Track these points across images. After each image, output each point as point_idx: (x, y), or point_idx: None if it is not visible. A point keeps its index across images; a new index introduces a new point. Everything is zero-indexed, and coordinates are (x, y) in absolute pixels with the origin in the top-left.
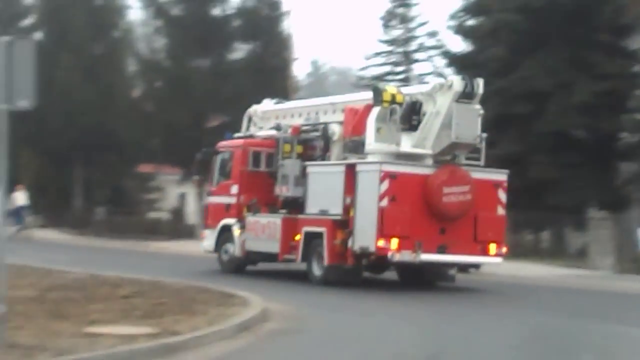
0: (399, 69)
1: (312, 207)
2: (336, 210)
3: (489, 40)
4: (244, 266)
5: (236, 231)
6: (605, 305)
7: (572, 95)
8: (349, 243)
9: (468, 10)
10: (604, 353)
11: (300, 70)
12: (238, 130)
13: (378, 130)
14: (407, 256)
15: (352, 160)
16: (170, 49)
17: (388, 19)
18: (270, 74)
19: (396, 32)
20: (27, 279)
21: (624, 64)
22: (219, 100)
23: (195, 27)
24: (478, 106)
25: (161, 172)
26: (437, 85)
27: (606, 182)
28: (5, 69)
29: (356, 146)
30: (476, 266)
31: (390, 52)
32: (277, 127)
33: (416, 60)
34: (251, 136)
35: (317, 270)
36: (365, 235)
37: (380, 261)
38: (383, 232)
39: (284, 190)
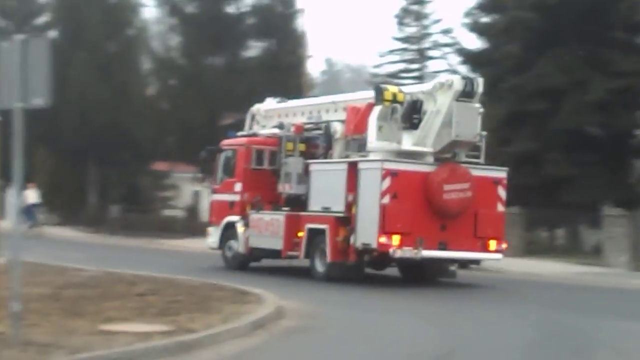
0: (414, 66)
1: (315, 205)
2: (338, 207)
3: (503, 37)
4: (248, 263)
5: (240, 228)
6: (620, 303)
7: (587, 93)
8: (351, 240)
9: (483, 7)
10: (619, 351)
11: (314, 68)
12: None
13: (379, 128)
14: (408, 252)
15: (354, 158)
16: (184, 47)
17: (402, 16)
18: (285, 72)
19: (411, 30)
20: (42, 276)
21: (639, 61)
22: (233, 98)
23: (210, 25)
24: (478, 105)
25: (175, 170)
26: (437, 84)
27: (621, 180)
28: (20, 68)
29: (358, 144)
30: (476, 262)
31: (404, 50)
32: (280, 126)
33: (430, 58)
34: (254, 134)
35: (319, 267)
36: (367, 232)
37: (382, 257)
38: (385, 228)
39: (286, 188)
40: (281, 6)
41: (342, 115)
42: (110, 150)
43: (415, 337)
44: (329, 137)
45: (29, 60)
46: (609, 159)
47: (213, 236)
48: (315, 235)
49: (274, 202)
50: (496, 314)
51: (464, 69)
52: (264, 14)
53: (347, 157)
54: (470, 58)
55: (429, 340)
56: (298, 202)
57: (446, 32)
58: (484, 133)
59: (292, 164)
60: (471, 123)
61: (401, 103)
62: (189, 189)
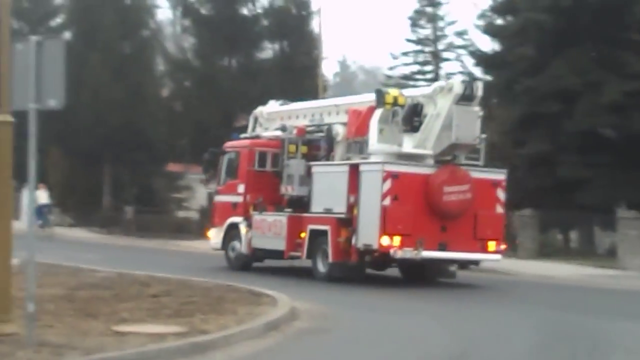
0: (427, 68)
1: (317, 206)
2: (340, 208)
3: (517, 39)
4: (251, 263)
5: (243, 229)
6: (633, 305)
7: (601, 95)
8: (353, 240)
9: (496, 9)
10: (632, 353)
11: (328, 69)
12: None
13: (381, 131)
14: (409, 253)
15: (355, 160)
16: (198, 48)
17: (416, 18)
18: (299, 74)
19: (425, 32)
20: (56, 277)
21: None
22: (247, 99)
23: (224, 27)
24: (477, 108)
25: (190, 171)
26: (437, 87)
27: (635, 181)
28: (35, 69)
29: (359, 147)
30: (476, 263)
31: (418, 52)
32: (283, 128)
33: (445, 60)
34: (257, 137)
35: (321, 267)
36: (368, 233)
37: (383, 258)
38: (386, 230)
39: (289, 190)
40: (296, 8)
41: (344, 118)
42: (124, 151)
43: (427, 338)
44: (330, 140)
45: (44, 61)
46: (623, 161)
47: (216, 237)
48: (317, 236)
49: (277, 203)
50: (507, 316)
51: (478, 71)
52: (278, 16)
53: (348, 159)
54: (484, 60)
55: (440, 342)
56: (300, 204)
57: (460, 34)
58: (484, 136)
59: (295, 166)
60: (471, 126)
61: (402, 106)
62: (202, 191)
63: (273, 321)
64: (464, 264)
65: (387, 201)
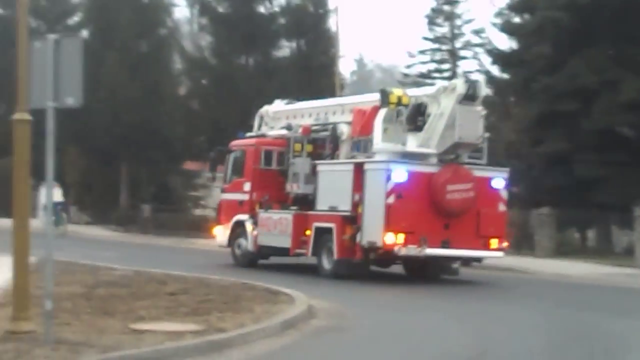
0: (445, 66)
1: (322, 204)
2: (345, 206)
3: (534, 37)
4: (257, 260)
5: (249, 227)
6: None
7: (618, 93)
8: (358, 238)
9: (513, 7)
10: None
11: (345, 68)
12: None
13: (385, 130)
14: (412, 250)
15: (360, 159)
16: (215, 46)
17: (434, 17)
18: (316, 72)
19: (442, 30)
20: (73, 275)
21: None
22: (264, 98)
23: (241, 25)
24: (480, 107)
25: (206, 169)
26: (441, 87)
27: None
28: (53, 67)
29: (364, 145)
30: (478, 260)
31: (435, 50)
32: (288, 127)
33: (462, 58)
34: (263, 135)
35: (326, 264)
36: (373, 231)
37: (387, 255)
38: (390, 227)
39: (294, 188)
40: (313, 6)
41: (349, 117)
42: (141, 150)
43: (446, 336)
44: (335, 139)
45: (61, 60)
46: None
47: (222, 234)
48: (323, 234)
49: (282, 201)
50: (525, 315)
51: (495, 70)
52: (295, 14)
53: (353, 157)
54: (501, 58)
55: (459, 340)
56: (305, 202)
57: (477, 32)
58: (487, 135)
59: (300, 165)
60: (474, 125)
61: (406, 106)
62: (219, 189)
63: (290, 319)
64: (466, 261)
65: (392, 199)
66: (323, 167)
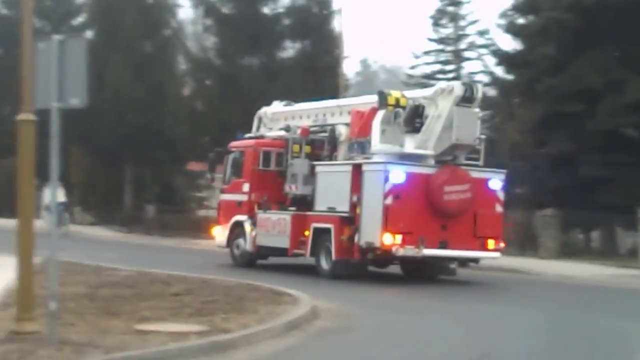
0: (449, 67)
1: (321, 205)
2: (343, 207)
3: (539, 38)
4: (255, 260)
5: (248, 227)
6: None
7: (623, 94)
8: (356, 238)
9: (518, 8)
10: None
11: (349, 68)
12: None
13: (383, 132)
14: (410, 251)
15: (358, 160)
16: (220, 47)
17: (438, 18)
18: (320, 73)
19: (446, 31)
20: (77, 276)
21: None
22: (268, 98)
23: (245, 26)
24: (477, 109)
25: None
26: (438, 89)
27: None
28: (57, 68)
29: (362, 147)
30: (475, 260)
31: (440, 51)
32: (287, 128)
33: (466, 59)
34: (261, 136)
35: (325, 264)
36: (370, 231)
37: (385, 256)
38: (388, 228)
39: (293, 188)
40: (317, 7)
41: (347, 119)
42: (145, 150)
43: (450, 337)
44: (334, 140)
45: (66, 60)
46: None
47: (221, 235)
48: (321, 234)
49: (281, 202)
50: (529, 316)
51: (499, 71)
52: (300, 15)
53: (351, 159)
54: (506, 59)
55: (462, 341)
56: (304, 202)
57: (482, 33)
58: (483, 136)
59: (298, 166)
60: (471, 127)
61: (404, 108)
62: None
63: (294, 320)
64: (463, 262)
65: (389, 200)
66: (321, 168)
